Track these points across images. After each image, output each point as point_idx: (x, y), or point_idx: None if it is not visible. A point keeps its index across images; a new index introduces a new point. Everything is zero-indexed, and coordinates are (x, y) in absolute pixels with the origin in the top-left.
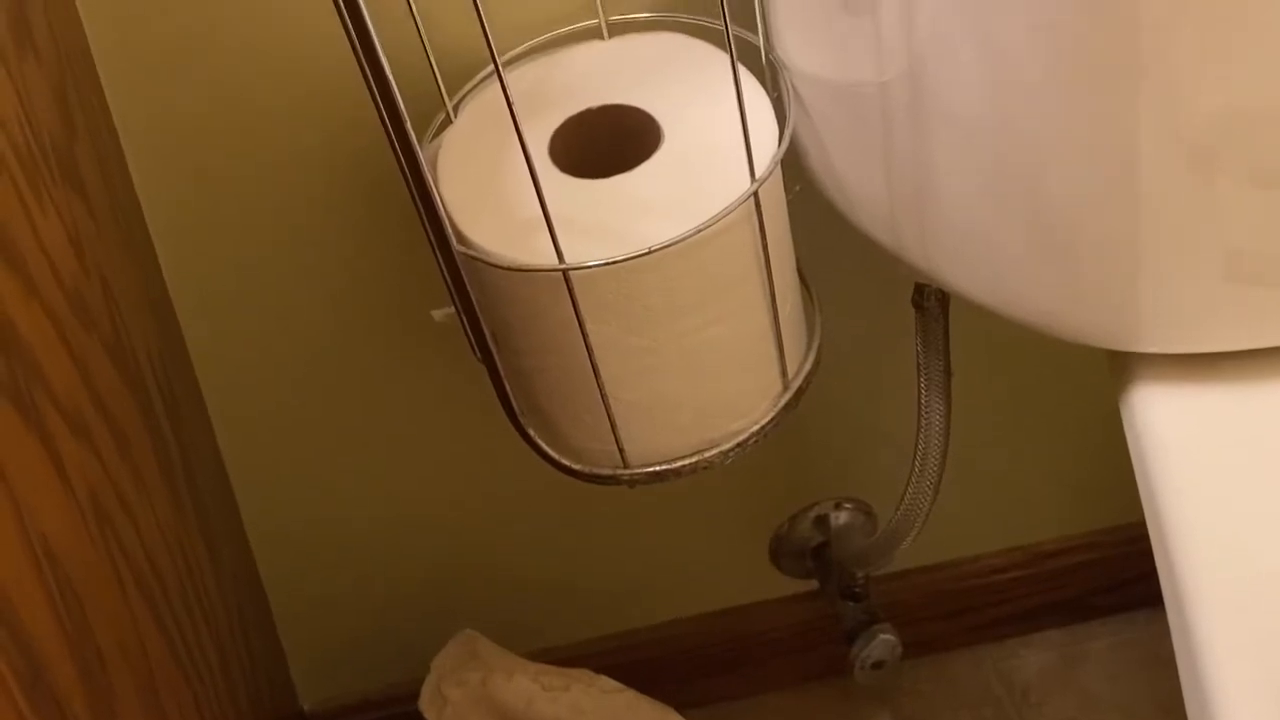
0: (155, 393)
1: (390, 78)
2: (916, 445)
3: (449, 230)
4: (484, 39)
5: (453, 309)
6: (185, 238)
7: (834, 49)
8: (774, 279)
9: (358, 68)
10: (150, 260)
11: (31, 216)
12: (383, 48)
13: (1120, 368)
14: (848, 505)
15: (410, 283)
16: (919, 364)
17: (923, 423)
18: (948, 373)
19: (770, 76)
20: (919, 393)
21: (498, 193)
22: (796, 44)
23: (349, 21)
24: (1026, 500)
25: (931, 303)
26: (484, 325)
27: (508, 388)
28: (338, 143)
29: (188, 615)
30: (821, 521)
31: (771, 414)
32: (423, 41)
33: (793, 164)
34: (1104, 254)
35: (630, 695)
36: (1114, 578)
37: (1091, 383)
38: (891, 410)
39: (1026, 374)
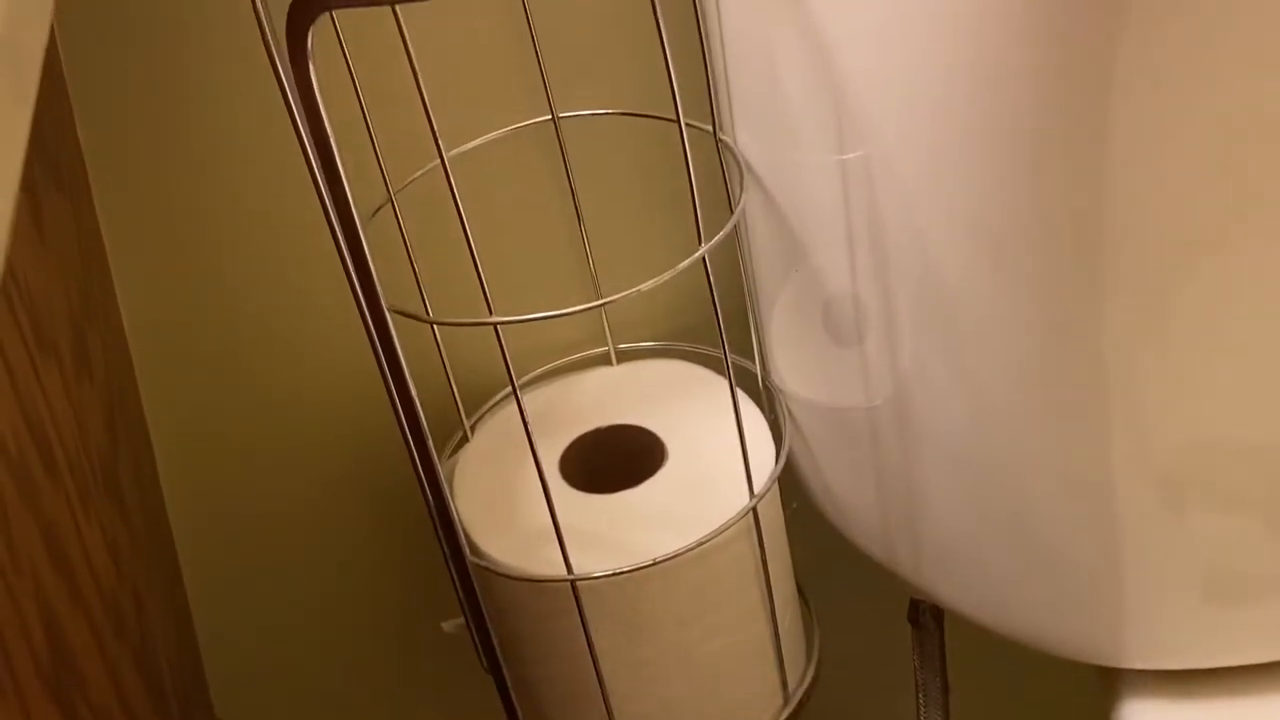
0: (172, 698)
1: (415, 399)
2: None
3: (463, 542)
4: (503, 365)
5: (463, 620)
6: (207, 548)
7: (825, 377)
8: (773, 592)
9: (384, 390)
10: (173, 568)
11: (79, 526)
12: (408, 371)
13: (1109, 684)
14: None
15: (421, 595)
16: (917, 680)
17: None
18: (945, 689)
19: (767, 400)
20: (918, 708)
21: (510, 507)
22: (791, 371)
23: (380, 349)
24: None
25: (927, 619)
26: (493, 636)
27: (514, 698)
28: (359, 459)
29: None
30: None
31: None
32: (444, 367)
33: (790, 482)
34: (1085, 575)
35: None
36: None
37: (1090, 697)
38: None
39: (1025, 689)
